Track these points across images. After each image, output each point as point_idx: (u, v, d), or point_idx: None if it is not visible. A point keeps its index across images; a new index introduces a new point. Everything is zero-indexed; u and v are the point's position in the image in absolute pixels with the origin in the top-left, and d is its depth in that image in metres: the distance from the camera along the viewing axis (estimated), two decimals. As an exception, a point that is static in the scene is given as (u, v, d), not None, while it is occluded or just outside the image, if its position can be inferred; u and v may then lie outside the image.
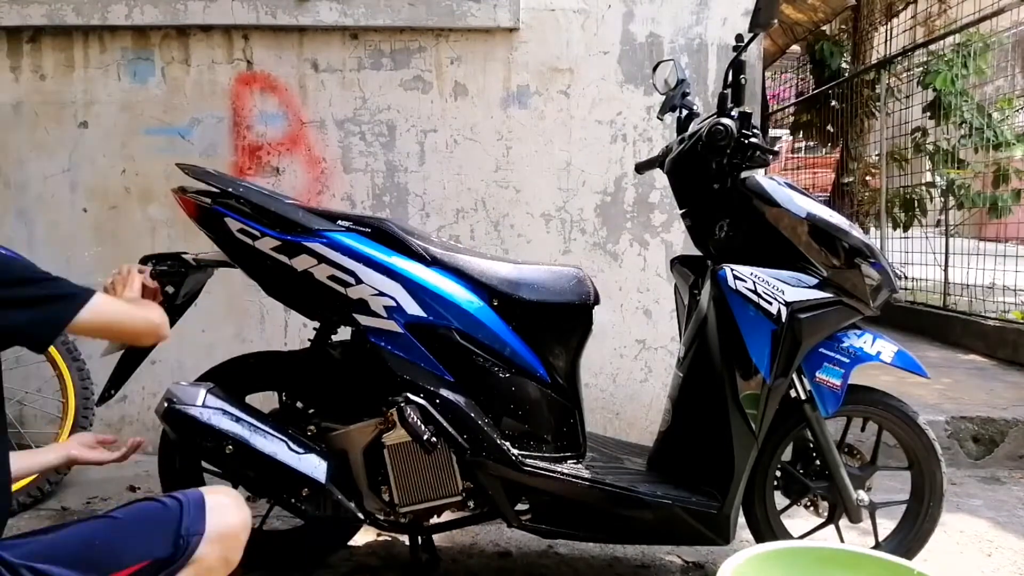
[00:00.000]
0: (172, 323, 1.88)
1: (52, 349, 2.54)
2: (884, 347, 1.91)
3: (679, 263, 2.17)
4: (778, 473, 2.04)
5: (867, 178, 6.84)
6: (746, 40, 1.94)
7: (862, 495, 1.96)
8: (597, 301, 1.94)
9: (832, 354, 1.90)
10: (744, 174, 1.96)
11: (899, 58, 5.99)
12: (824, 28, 7.83)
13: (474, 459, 1.80)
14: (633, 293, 3.02)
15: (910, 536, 2.05)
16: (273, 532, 2.16)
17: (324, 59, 2.99)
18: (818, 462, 2.00)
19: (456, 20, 2.92)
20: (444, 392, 1.81)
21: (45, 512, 2.52)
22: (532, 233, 3.02)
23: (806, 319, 1.82)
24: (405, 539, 2.10)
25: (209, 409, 1.71)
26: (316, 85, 3.00)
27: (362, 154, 3.02)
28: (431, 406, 1.77)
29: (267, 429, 1.75)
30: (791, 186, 1.94)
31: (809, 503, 2.03)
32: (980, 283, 4.72)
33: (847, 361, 1.89)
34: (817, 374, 1.90)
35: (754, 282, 1.83)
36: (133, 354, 1.87)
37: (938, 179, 5.44)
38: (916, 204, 5.72)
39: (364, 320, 1.80)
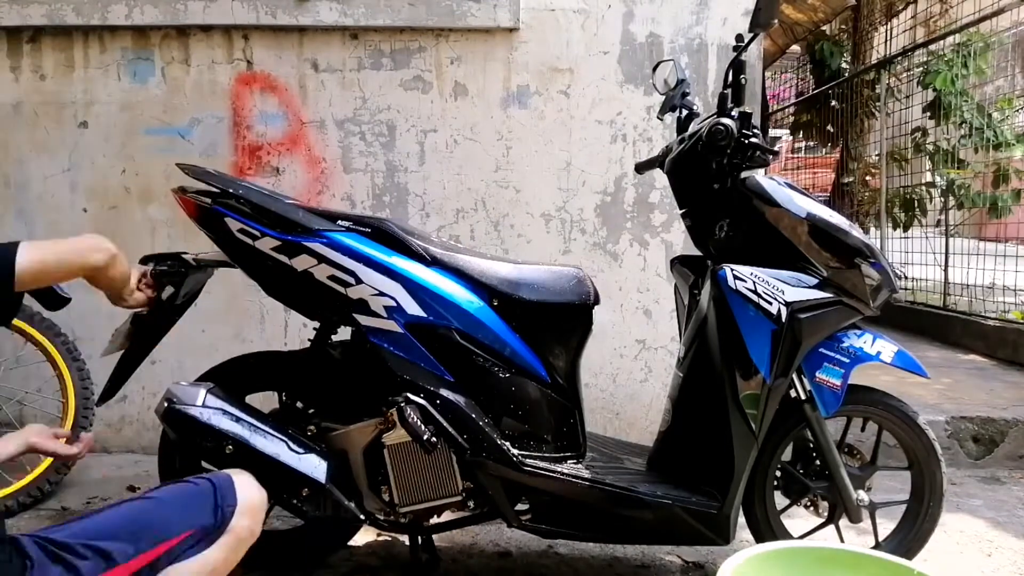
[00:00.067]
0: (172, 323, 1.90)
1: (52, 349, 2.55)
2: (884, 347, 1.91)
3: (679, 263, 2.17)
4: (778, 473, 2.04)
5: (867, 178, 6.84)
6: (746, 40, 1.94)
7: (862, 495, 1.97)
8: (597, 301, 1.94)
9: (832, 354, 1.90)
10: (744, 174, 1.96)
11: (899, 58, 5.99)
12: (824, 28, 7.83)
13: (474, 459, 1.80)
14: (633, 293, 3.02)
15: (910, 536, 2.05)
16: (273, 532, 2.15)
17: (324, 59, 2.99)
18: (818, 462, 2.00)
19: (456, 20, 2.92)
20: (444, 392, 1.81)
21: (45, 512, 2.52)
22: (532, 233, 3.02)
23: (806, 319, 1.82)
24: (405, 539, 2.10)
25: (209, 409, 1.71)
26: (316, 85, 3.00)
27: (362, 154, 3.02)
28: (431, 406, 1.77)
29: (267, 429, 1.75)
30: (791, 186, 1.94)
31: (809, 503, 2.03)
32: (980, 283, 4.72)
33: (847, 361, 1.89)
34: (817, 374, 1.90)
35: (754, 282, 1.83)
36: (133, 354, 1.87)
37: (938, 179, 5.45)
38: (916, 204, 5.72)
39: (364, 320, 1.80)
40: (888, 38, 7.01)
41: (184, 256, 1.85)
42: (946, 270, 5.05)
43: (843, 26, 7.77)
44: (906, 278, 5.37)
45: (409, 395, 1.77)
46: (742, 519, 2.00)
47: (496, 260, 1.95)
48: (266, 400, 1.98)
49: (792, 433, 2.02)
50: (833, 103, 6.89)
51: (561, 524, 1.91)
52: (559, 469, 1.86)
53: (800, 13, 7.33)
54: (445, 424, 1.77)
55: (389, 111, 3.00)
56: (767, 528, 2.04)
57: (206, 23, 2.93)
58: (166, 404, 1.70)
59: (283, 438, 1.75)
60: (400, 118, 3.00)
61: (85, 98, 3.01)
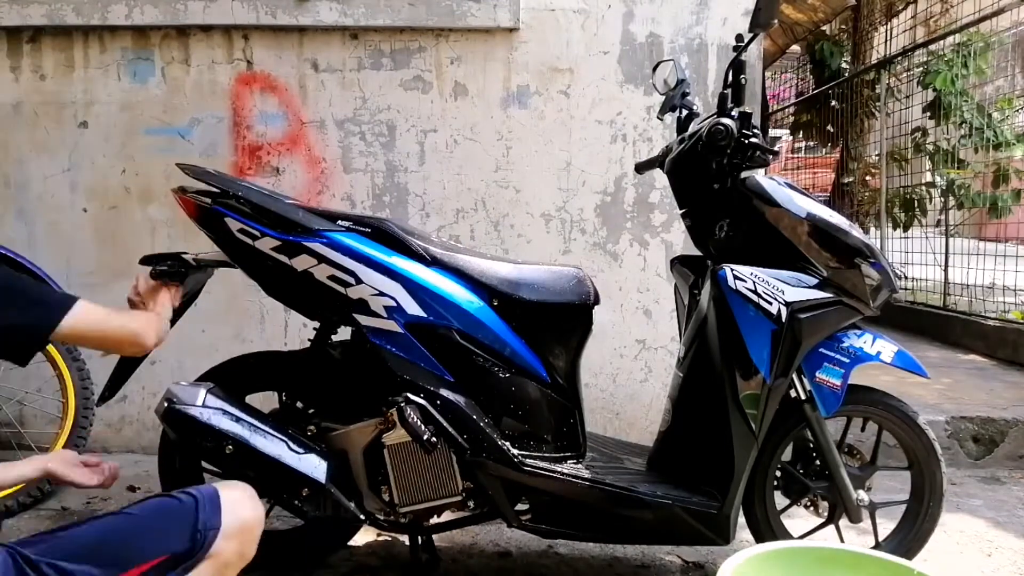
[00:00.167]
0: (172, 323, 1.89)
1: (52, 349, 2.54)
2: (884, 347, 1.91)
3: (679, 263, 2.17)
4: (778, 473, 2.04)
5: (867, 178, 6.84)
6: (746, 40, 1.94)
7: (862, 495, 1.96)
8: (597, 301, 1.94)
9: (832, 354, 1.90)
10: (744, 174, 1.96)
11: (899, 58, 5.99)
12: (824, 28, 7.83)
13: (474, 459, 1.80)
14: (633, 293, 3.02)
15: (910, 536, 2.05)
16: (273, 532, 2.15)
17: (324, 59, 2.99)
18: (818, 462, 2.00)
19: (456, 20, 2.92)
20: (444, 392, 1.81)
21: (45, 512, 2.52)
22: (532, 233, 3.02)
23: (806, 319, 1.82)
24: (405, 539, 2.10)
25: (209, 409, 1.70)
26: (316, 85, 3.00)
27: (362, 154, 3.02)
28: (431, 406, 1.77)
29: (267, 429, 1.75)
30: (791, 186, 1.94)
31: (809, 503, 2.03)
32: (980, 283, 4.72)
33: (847, 361, 1.89)
34: (817, 374, 1.90)
35: (754, 282, 1.83)
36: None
37: (938, 179, 5.44)
38: (916, 204, 5.72)
39: (364, 320, 1.80)
40: (888, 38, 7.01)
41: (184, 256, 1.85)
42: (946, 270, 5.05)
43: (843, 26, 7.77)
44: (906, 278, 5.37)
45: (409, 395, 1.77)
46: (742, 519, 2.00)
47: (496, 260, 1.95)
48: (266, 400, 1.98)
49: (792, 433, 2.02)
50: (833, 103, 6.89)
51: (561, 524, 1.91)
52: (559, 469, 1.86)
53: (800, 13, 7.33)
54: (445, 424, 1.77)
55: (389, 111, 3.00)
56: (767, 528, 2.04)
57: (206, 23, 2.93)
58: (166, 404, 1.70)
59: (283, 438, 1.75)
60: (400, 118, 3.00)
61: (85, 98, 3.00)
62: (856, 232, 1.89)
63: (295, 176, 3.02)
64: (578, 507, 1.88)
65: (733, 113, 1.91)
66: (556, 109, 2.99)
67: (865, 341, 1.92)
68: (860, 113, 6.59)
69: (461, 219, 3.02)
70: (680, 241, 2.97)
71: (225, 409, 1.72)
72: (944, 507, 2.04)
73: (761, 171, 2.13)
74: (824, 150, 8.30)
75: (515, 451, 1.83)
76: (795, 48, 8.98)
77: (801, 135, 8.18)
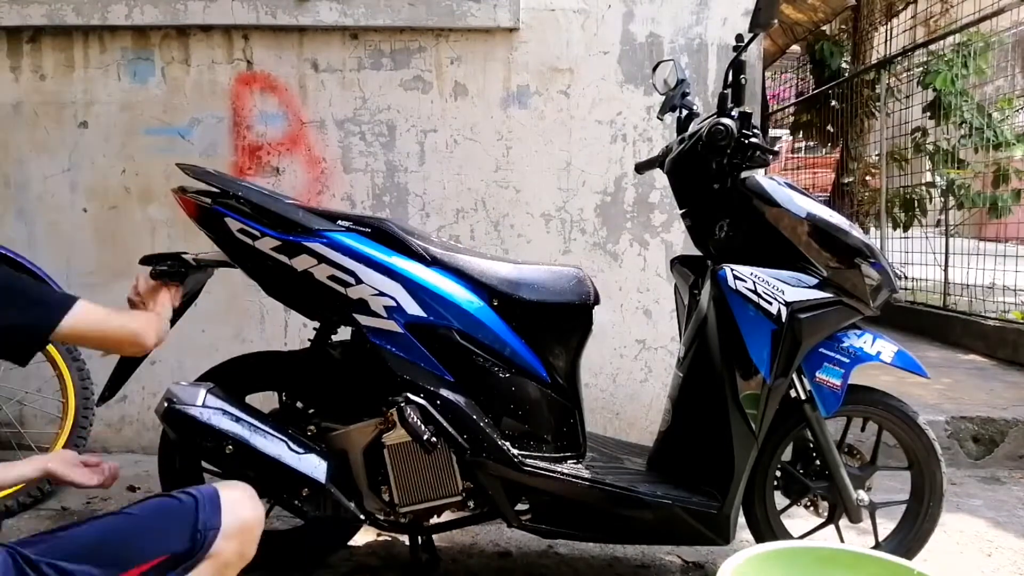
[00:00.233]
0: (172, 323, 1.89)
1: (52, 349, 2.54)
2: (884, 347, 1.91)
3: (679, 263, 2.17)
4: (778, 473, 2.04)
5: (867, 178, 6.84)
6: (746, 40, 1.94)
7: (862, 495, 1.96)
8: (597, 301, 1.94)
9: (832, 354, 1.90)
10: (744, 174, 1.96)
11: (899, 58, 5.99)
12: (824, 28, 7.83)
13: (474, 459, 1.80)
14: (633, 293, 3.02)
15: (910, 536, 2.05)
16: (273, 532, 2.15)
17: (324, 59, 2.99)
18: (818, 462, 2.00)
19: (456, 20, 2.92)
20: (444, 392, 1.81)
21: (45, 512, 2.52)
22: (532, 233, 3.02)
23: (806, 319, 1.82)
24: (405, 539, 2.10)
25: (209, 409, 1.70)
26: (316, 85, 3.00)
27: (362, 154, 3.02)
28: (431, 406, 1.77)
29: (267, 429, 1.75)
30: (791, 186, 1.94)
31: (809, 503, 2.03)
32: (980, 283, 4.72)
33: (847, 361, 1.89)
34: (817, 374, 1.90)
35: (754, 282, 1.83)
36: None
37: (938, 179, 5.44)
38: (916, 204, 5.72)
39: (364, 320, 1.80)
40: (888, 38, 7.01)
41: (184, 256, 1.85)
42: (946, 270, 5.05)
43: (843, 26, 7.77)
44: (906, 278, 5.37)
45: (409, 395, 1.77)
46: (742, 519, 2.00)
47: (496, 260, 1.95)
48: (266, 400, 1.98)
49: (792, 433, 2.02)
50: (833, 103, 6.89)
51: (561, 524, 1.91)
52: (559, 469, 1.86)
53: (800, 13, 7.33)
54: (445, 424, 1.77)
55: (389, 111, 3.00)
56: (767, 528, 2.04)
57: (206, 23, 2.93)
58: (166, 404, 1.70)
59: (283, 438, 1.75)
60: (400, 118, 3.00)
61: (85, 98, 3.01)
62: (856, 232, 1.89)
63: (295, 176, 3.02)
64: (578, 507, 1.88)
65: (733, 113, 1.91)
66: (556, 109, 2.99)
67: (865, 341, 1.92)
68: (860, 113, 6.59)
69: (461, 219, 3.02)
70: (680, 241, 2.97)
71: (225, 409, 1.72)
72: (944, 507, 2.04)
73: (761, 171, 2.13)
74: (824, 150, 8.30)
75: (515, 451, 1.83)
76: (795, 48, 8.98)
77: (801, 135, 8.18)
